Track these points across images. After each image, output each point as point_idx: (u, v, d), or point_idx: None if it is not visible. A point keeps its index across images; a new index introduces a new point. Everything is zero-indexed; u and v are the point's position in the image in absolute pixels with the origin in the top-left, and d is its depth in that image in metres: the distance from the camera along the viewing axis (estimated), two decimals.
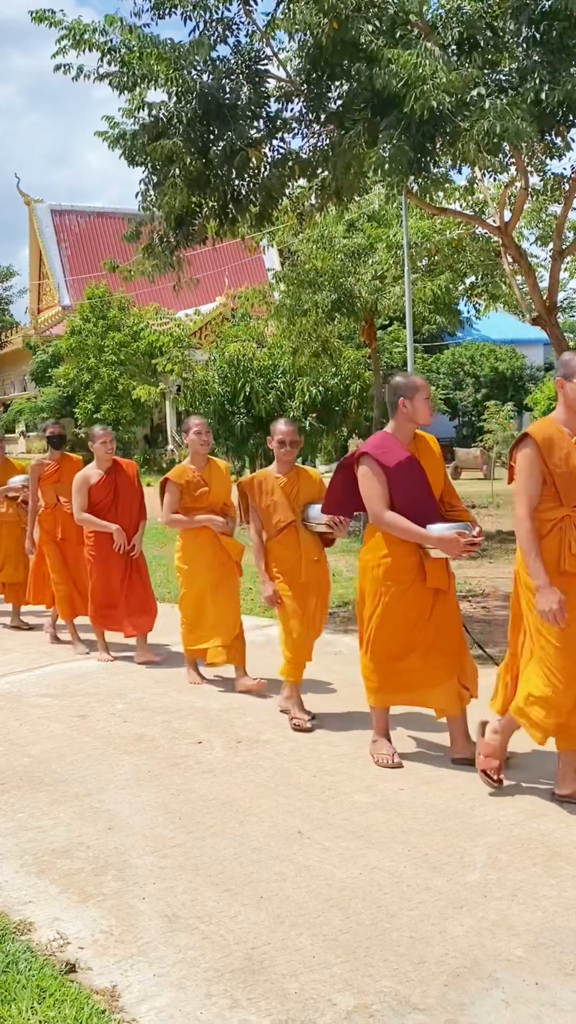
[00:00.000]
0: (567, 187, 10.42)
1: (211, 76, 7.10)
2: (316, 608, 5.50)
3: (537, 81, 6.14)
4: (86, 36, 6.97)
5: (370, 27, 6.33)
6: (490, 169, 7.39)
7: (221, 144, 7.12)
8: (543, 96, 6.11)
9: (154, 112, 7.16)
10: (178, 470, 6.33)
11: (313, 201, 8.93)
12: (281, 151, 7.56)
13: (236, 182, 7.48)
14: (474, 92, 6.04)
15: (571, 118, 6.74)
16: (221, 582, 6.18)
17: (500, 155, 6.85)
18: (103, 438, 7.08)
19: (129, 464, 7.27)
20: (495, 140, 6.02)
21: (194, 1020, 2.70)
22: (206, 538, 6.20)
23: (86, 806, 4.30)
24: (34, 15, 7.08)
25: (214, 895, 3.41)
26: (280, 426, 5.53)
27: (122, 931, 3.20)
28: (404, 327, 15.13)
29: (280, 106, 7.40)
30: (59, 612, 7.72)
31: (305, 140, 7.58)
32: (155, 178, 7.50)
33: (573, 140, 7.73)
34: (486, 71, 6.44)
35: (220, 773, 4.64)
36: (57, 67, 7.02)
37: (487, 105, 5.96)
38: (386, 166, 6.37)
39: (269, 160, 7.51)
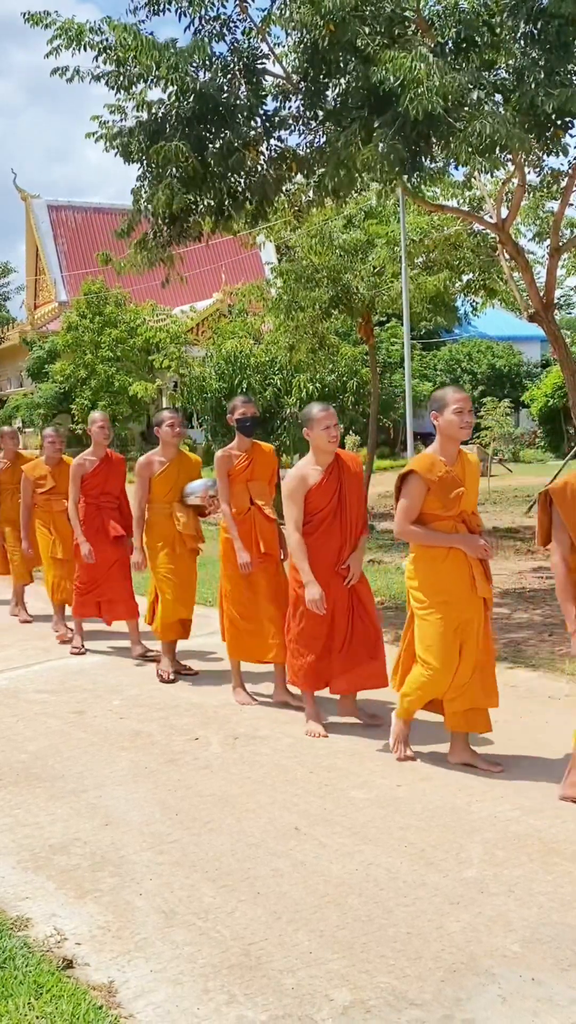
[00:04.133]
0: (564, 183, 10.42)
1: (208, 75, 7.09)
2: None
3: (533, 84, 6.14)
4: (80, 36, 6.95)
5: (367, 28, 6.32)
6: (483, 171, 7.39)
7: (218, 143, 7.11)
8: (538, 102, 6.11)
9: (154, 110, 7.14)
10: (427, 461, 4.45)
11: (310, 197, 8.92)
12: (278, 149, 7.55)
13: (232, 179, 7.48)
14: (473, 96, 6.03)
15: (567, 123, 6.74)
16: (476, 626, 4.44)
17: (495, 155, 6.86)
18: (326, 420, 4.99)
19: (352, 458, 5.24)
20: (488, 143, 6.00)
21: (191, 1015, 2.71)
22: (457, 560, 4.41)
23: (83, 802, 4.31)
24: (26, 17, 7.04)
25: (211, 891, 3.42)
26: None
27: (119, 927, 3.21)
28: (401, 324, 15.15)
29: (278, 104, 7.40)
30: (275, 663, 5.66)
31: (302, 137, 7.59)
32: (149, 175, 7.49)
33: (568, 145, 7.73)
34: (483, 71, 6.44)
35: (217, 769, 4.65)
36: (55, 70, 6.99)
37: (483, 108, 5.96)
38: (380, 164, 6.36)
39: (266, 157, 7.51)
